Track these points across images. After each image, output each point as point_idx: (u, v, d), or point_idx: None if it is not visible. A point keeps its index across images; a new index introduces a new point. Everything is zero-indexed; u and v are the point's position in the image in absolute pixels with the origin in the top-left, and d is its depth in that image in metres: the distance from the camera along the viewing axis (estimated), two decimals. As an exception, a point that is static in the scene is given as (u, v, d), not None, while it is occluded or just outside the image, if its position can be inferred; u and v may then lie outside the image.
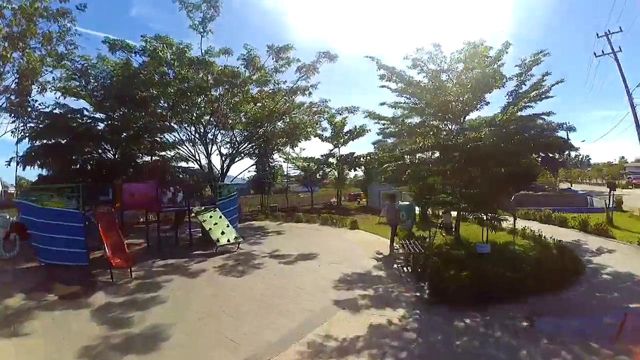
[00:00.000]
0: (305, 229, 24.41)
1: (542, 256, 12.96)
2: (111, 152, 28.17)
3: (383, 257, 15.53)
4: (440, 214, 22.46)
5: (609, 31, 27.89)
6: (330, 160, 41.43)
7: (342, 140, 40.18)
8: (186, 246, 18.72)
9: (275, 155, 40.75)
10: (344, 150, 41.44)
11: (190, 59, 25.85)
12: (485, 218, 14.89)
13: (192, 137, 31.66)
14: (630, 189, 59.26)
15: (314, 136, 38.38)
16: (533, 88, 15.57)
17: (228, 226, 18.72)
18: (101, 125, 27.71)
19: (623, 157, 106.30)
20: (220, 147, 33.60)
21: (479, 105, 16.66)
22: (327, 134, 39.65)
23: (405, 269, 13.44)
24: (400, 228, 19.97)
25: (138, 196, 17.59)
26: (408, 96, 17.70)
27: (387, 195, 22.35)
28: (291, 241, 19.76)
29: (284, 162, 42.26)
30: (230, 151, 33.28)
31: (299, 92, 29.81)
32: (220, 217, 19.24)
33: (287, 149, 37.19)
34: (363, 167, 42.31)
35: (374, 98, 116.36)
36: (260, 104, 30.54)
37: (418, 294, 10.65)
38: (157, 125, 27.87)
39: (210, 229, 18.12)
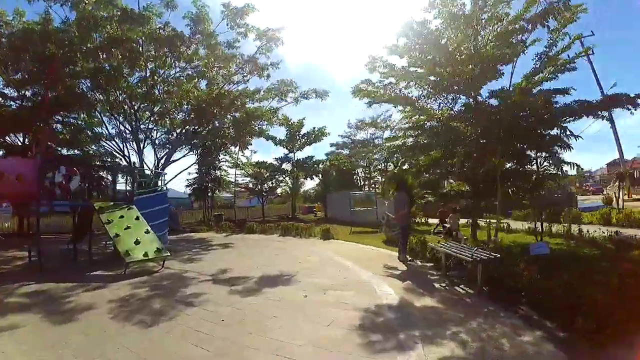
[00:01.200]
0: (262, 240, 17.93)
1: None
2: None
3: (401, 273, 9.64)
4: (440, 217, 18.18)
5: (582, 34, 24.71)
6: (285, 166, 35.00)
7: (298, 144, 33.94)
8: (94, 262, 11.87)
9: (223, 160, 33.75)
10: (300, 155, 35.50)
11: (123, 12, 19.27)
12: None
13: (123, 129, 24.86)
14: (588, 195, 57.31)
15: (267, 138, 32.06)
16: (563, 50, 12.43)
17: (148, 233, 11.85)
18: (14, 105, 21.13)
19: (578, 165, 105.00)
20: (155, 140, 26.47)
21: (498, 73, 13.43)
22: (282, 136, 33.37)
23: (462, 287, 7.97)
24: (392, 235, 15.17)
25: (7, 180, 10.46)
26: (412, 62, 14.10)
27: (390, 181, 15.97)
28: (247, 256, 13.24)
29: (232, 167, 35.18)
30: (167, 145, 26.15)
31: (255, 72, 23.30)
32: (137, 218, 12.35)
33: (236, 150, 30.45)
34: (320, 176, 36.09)
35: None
36: (207, 81, 23.91)
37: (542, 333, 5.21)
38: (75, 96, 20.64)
39: (117, 235, 11.15)
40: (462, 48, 13.27)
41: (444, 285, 8.21)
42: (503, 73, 13.61)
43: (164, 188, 17.27)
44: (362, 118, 57.77)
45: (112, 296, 7.90)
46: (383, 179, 47.95)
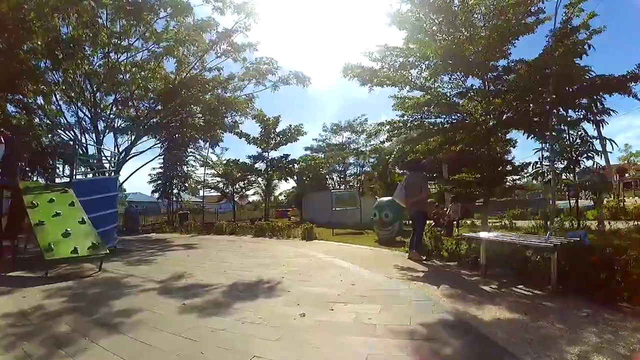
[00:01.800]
0: (234, 241, 15.06)
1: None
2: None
3: (423, 275, 7.17)
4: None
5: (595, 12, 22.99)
6: (258, 166, 31.88)
7: (272, 143, 30.84)
8: (21, 261, 9.04)
9: (191, 154, 30.43)
10: (275, 155, 32.30)
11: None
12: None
13: (82, 116, 21.77)
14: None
15: (240, 136, 29.15)
16: (578, 28, 11.02)
17: (83, 223, 8.91)
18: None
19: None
20: (116, 127, 23.23)
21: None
22: (256, 133, 30.39)
23: (520, 287, 5.52)
24: (386, 235, 13.28)
25: None
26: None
27: (408, 163, 13.29)
28: (214, 258, 10.33)
29: (201, 165, 31.94)
30: (130, 132, 23.02)
31: (231, 53, 20.46)
32: (72, 204, 9.40)
33: (206, 146, 27.39)
34: (295, 178, 33.19)
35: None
36: (177, 61, 20.97)
37: None
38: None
39: (40, 223, 8.22)
40: (476, 14, 11.11)
41: (494, 287, 5.82)
42: (510, 53, 11.90)
43: (116, 175, 14.27)
44: (337, 122, 55.80)
45: (11, 308, 5.12)
46: (362, 180, 45.83)
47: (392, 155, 16.36)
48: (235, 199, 34.39)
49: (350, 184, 50.50)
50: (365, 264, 8.21)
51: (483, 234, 7.40)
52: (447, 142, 13.79)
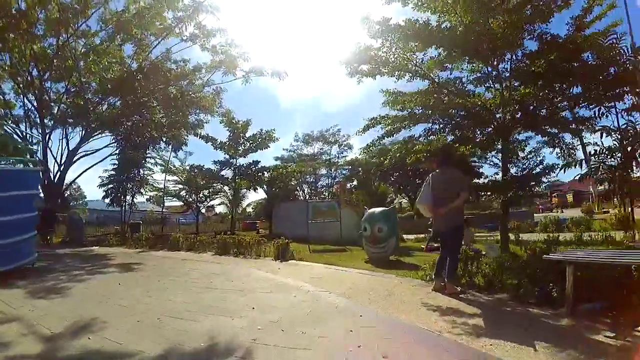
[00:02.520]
0: (189, 261, 11.86)
1: None
2: None
3: (486, 323, 4.18)
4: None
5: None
6: (225, 173, 28.66)
7: (241, 149, 27.68)
8: None
9: (149, 156, 26.84)
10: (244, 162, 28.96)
11: None
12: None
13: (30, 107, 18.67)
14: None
15: (206, 140, 26.22)
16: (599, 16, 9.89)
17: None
18: None
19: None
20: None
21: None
22: (223, 138, 27.25)
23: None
24: (379, 254, 10.73)
25: None
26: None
27: (438, 155, 10.03)
28: (152, 289, 7.16)
29: (163, 172, 28.46)
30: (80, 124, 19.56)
31: (199, 39, 17.53)
32: None
33: (168, 148, 24.10)
34: (265, 188, 29.98)
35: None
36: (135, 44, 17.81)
37: None
38: None
39: None
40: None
41: (610, 336, 3.81)
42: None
43: (37, 168, 11.02)
44: (310, 132, 53.31)
45: None
46: (337, 191, 43.09)
47: (389, 156, 13.77)
48: (202, 210, 31.13)
49: (322, 195, 47.93)
50: (381, 305, 5.43)
51: (573, 253, 5.13)
52: (459, 141, 11.34)
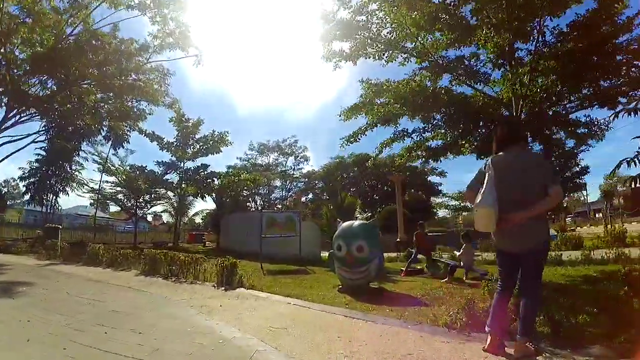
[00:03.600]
0: (98, 285, 8.55)
1: None
2: None
3: None
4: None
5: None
6: (170, 177, 24.65)
7: (190, 151, 24.10)
8: None
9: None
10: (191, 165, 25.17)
11: None
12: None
13: None
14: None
15: (152, 139, 22.70)
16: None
17: None
18: None
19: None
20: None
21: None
22: (170, 137, 23.70)
23: None
24: (349, 280, 8.07)
25: None
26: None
27: (504, 129, 6.69)
28: (9, 344, 4.02)
29: (100, 171, 24.44)
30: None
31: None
32: None
33: (102, 142, 20.36)
34: (214, 195, 26.39)
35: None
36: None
37: None
38: None
39: None
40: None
41: None
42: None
43: None
44: (266, 141, 50.19)
45: None
46: (294, 201, 40.11)
47: (399, 156, 10.99)
48: (148, 218, 27.28)
49: (276, 208, 44.94)
50: None
51: None
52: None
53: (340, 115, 10.53)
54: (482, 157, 10.03)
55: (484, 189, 3.68)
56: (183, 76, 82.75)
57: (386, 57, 9.26)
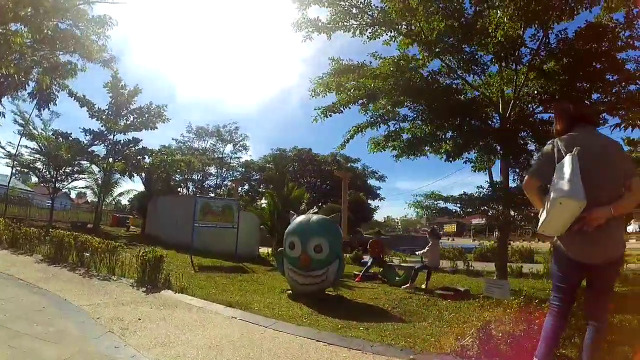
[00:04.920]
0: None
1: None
2: None
3: None
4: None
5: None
6: (96, 149, 21.33)
7: (123, 123, 20.96)
8: None
9: None
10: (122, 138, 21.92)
11: None
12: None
13: None
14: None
15: (82, 104, 19.89)
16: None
17: None
18: None
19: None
20: None
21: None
22: (102, 104, 20.70)
23: None
24: (301, 286, 7.01)
25: None
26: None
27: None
28: None
29: (19, 134, 21.05)
30: None
31: None
32: None
33: (24, 97, 17.31)
34: (144, 175, 23.64)
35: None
36: None
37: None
38: None
39: None
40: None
41: None
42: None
43: None
44: (205, 125, 47.20)
45: None
46: (231, 189, 37.65)
47: (374, 143, 9.67)
48: (71, 196, 24.08)
49: (210, 195, 42.57)
50: None
51: None
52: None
53: (310, 92, 9.55)
54: (451, 159, 9.28)
55: (566, 176, 2.68)
56: (118, 52, 76.82)
57: (369, 33, 8.09)
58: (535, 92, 8.31)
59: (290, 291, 7.33)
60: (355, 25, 8.12)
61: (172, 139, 45.03)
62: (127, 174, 22.15)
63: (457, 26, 7.78)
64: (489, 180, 9.24)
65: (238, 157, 48.17)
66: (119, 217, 30.42)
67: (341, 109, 9.00)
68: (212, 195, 40.99)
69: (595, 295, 2.91)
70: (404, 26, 8.22)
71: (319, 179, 46.40)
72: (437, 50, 8.07)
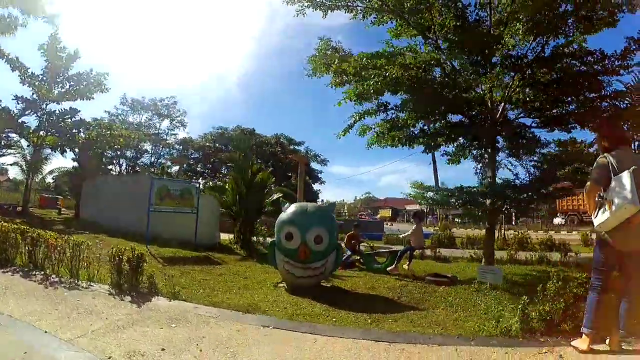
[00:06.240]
0: None
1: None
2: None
3: None
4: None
5: None
6: (26, 120, 18.51)
7: (58, 90, 18.49)
8: None
9: None
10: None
11: None
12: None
13: None
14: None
15: (11, 67, 17.49)
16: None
17: None
18: None
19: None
20: None
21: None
22: (36, 68, 18.15)
23: None
24: (299, 279, 6.65)
25: None
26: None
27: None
28: None
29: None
30: None
31: None
32: None
33: None
34: (78, 151, 21.28)
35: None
36: None
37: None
38: None
39: None
40: None
41: None
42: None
43: None
44: (140, 97, 44.17)
45: None
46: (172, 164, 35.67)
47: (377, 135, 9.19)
48: None
49: (148, 174, 40.29)
50: None
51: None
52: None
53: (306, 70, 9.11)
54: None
55: (627, 188, 3.57)
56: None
57: (374, 18, 7.68)
58: (528, 99, 8.74)
59: (281, 284, 6.89)
60: (360, 7, 7.71)
61: (105, 111, 41.87)
62: (60, 149, 19.98)
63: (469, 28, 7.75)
64: (489, 175, 9.31)
65: (175, 134, 46.00)
66: (48, 198, 27.66)
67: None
68: (147, 173, 39.02)
69: (627, 279, 3.80)
70: (413, 18, 7.94)
71: (262, 161, 45.57)
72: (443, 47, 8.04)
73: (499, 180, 9.06)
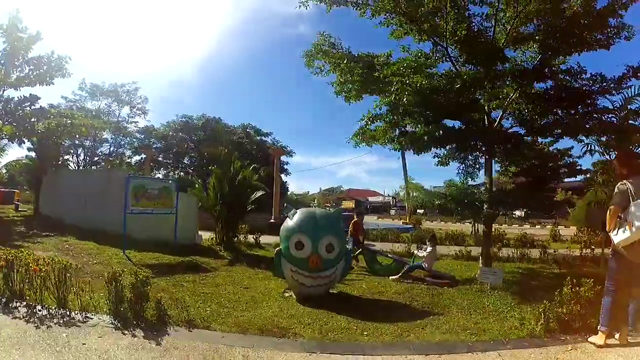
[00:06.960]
0: None
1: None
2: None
3: None
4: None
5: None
6: None
7: (16, 75, 17.05)
8: None
9: None
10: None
11: None
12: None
13: None
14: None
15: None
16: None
17: None
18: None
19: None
20: None
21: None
22: None
23: None
24: (308, 288, 6.52)
25: None
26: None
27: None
28: None
29: None
30: None
31: None
32: None
33: None
34: (35, 140, 19.81)
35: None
36: None
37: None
38: None
39: None
40: None
41: None
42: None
43: None
44: (100, 82, 41.91)
45: None
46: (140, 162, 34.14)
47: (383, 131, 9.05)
48: None
49: (100, 166, 38.62)
50: None
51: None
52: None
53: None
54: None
55: None
56: None
57: (383, 18, 7.54)
58: (526, 110, 9.11)
59: (288, 293, 6.74)
60: (371, 6, 7.50)
61: (62, 97, 39.57)
62: (17, 139, 18.69)
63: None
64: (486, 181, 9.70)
65: (135, 122, 44.15)
66: (4, 193, 25.72)
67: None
68: (102, 165, 37.51)
69: (637, 285, 4.51)
70: (427, 25, 7.84)
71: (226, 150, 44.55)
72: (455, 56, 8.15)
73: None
